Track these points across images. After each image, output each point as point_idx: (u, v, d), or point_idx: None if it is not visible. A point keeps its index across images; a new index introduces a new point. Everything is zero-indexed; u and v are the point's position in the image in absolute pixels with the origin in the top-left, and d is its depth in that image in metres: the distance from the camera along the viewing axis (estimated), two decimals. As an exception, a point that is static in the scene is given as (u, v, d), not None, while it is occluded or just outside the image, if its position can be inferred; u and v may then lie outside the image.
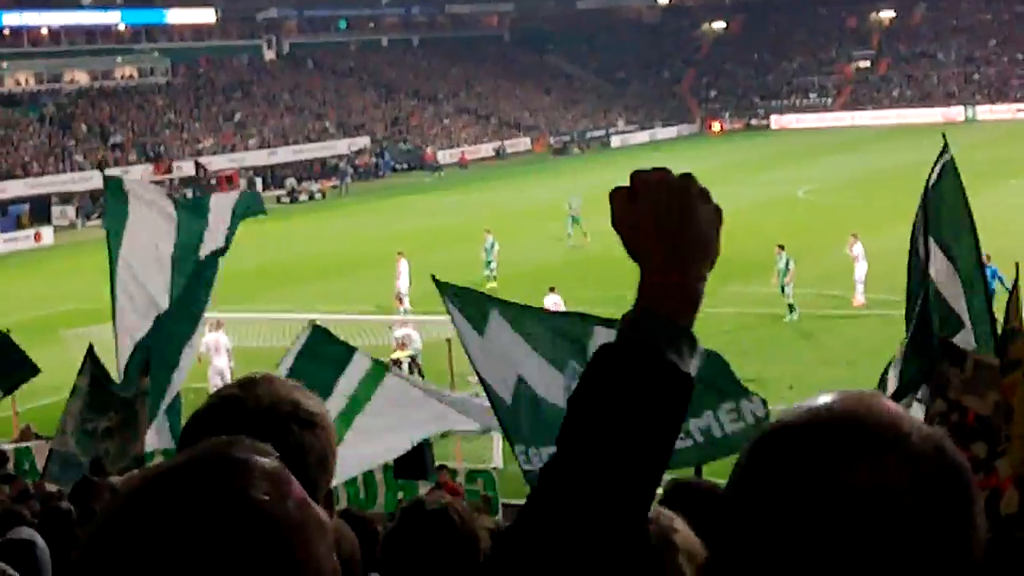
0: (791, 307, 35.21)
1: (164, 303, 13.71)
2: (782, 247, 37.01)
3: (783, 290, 35.84)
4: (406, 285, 38.71)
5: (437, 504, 4.28)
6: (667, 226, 1.99)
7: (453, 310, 12.57)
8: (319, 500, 2.39)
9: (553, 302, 33.16)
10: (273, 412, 2.36)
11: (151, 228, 13.70)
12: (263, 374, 2.51)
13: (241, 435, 2.30)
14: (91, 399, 13.74)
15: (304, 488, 2.36)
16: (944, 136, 11.51)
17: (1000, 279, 31.28)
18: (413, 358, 29.36)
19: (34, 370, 14.88)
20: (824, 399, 1.54)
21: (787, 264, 36.18)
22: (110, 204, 14.63)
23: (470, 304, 12.64)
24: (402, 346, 29.54)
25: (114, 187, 14.52)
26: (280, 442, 2.33)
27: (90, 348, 14.42)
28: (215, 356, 29.82)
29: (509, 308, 12.57)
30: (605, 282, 36.03)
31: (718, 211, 2.03)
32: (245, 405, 2.38)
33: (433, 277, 13.09)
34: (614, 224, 2.01)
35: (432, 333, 29.12)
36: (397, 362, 27.49)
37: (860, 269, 36.71)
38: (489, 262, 43.34)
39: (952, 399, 8.44)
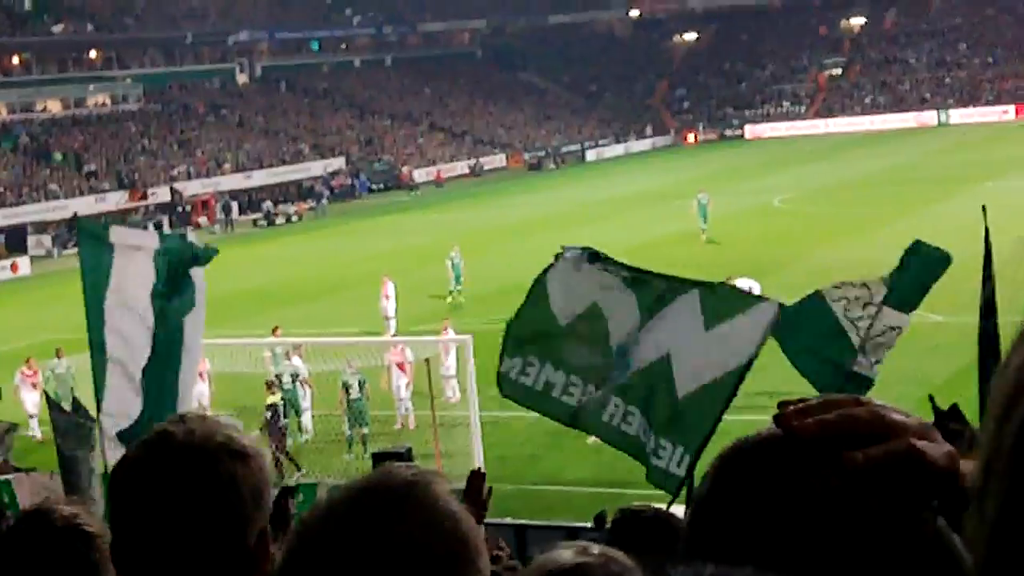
0: None
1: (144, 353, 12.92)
2: None
3: None
4: (393, 307, 38.61)
5: None
6: None
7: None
8: (253, 535, 2.38)
9: None
10: (204, 445, 2.37)
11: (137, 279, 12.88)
12: (196, 413, 2.53)
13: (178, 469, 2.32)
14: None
15: (236, 521, 2.35)
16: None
17: None
18: (287, 401, 27.41)
19: None
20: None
21: None
22: (88, 250, 13.59)
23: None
24: (270, 388, 27.17)
25: (94, 232, 13.62)
26: (211, 473, 2.34)
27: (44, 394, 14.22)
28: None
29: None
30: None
31: None
32: (176, 439, 2.38)
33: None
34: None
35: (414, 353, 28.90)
36: (272, 407, 26.39)
37: None
38: (458, 277, 43.33)
39: None
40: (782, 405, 1.39)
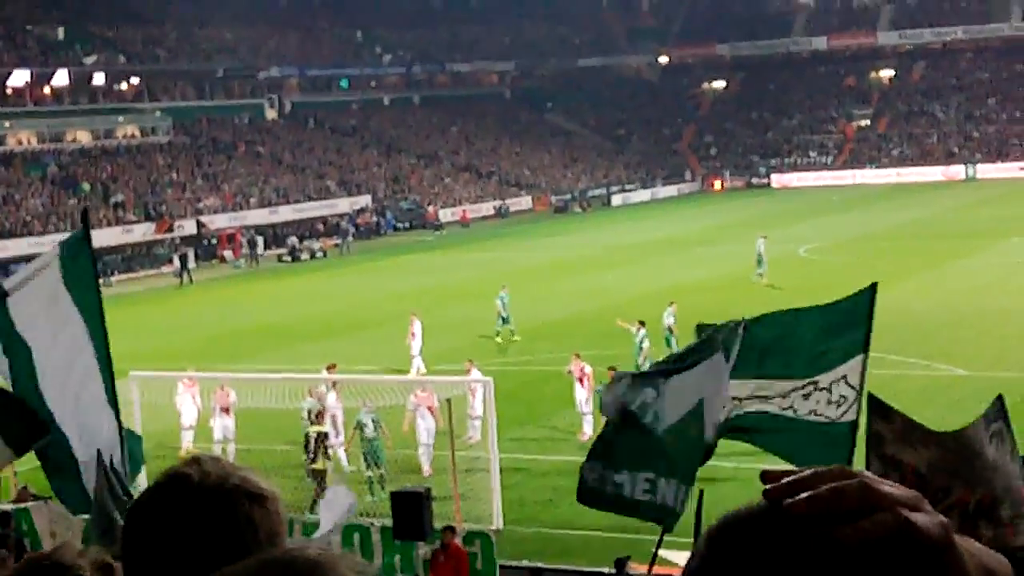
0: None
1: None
2: (642, 323, 35.38)
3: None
4: (419, 345, 38.47)
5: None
6: None
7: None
8: None
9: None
10: (220, 487, 2.33)
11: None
12: (210, 455, 2.49)
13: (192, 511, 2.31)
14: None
15: None
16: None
17: None
18: (324, 435, 27.17)
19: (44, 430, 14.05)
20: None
21: (641, 342, 34.77)
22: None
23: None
24: (319, 417, 27.43)
25: None
26: (228, 516, 2.30)
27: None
28: (219, 415, 29.49)
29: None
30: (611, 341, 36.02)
31: None
32: (191, 481, 2.35)
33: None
34: None
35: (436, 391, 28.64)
36: (306, 436, 26.59)
37: None
38: (507, 317, 43.29)
39: (888, 455, 8.20)
40: (765, 476, 1.32)
